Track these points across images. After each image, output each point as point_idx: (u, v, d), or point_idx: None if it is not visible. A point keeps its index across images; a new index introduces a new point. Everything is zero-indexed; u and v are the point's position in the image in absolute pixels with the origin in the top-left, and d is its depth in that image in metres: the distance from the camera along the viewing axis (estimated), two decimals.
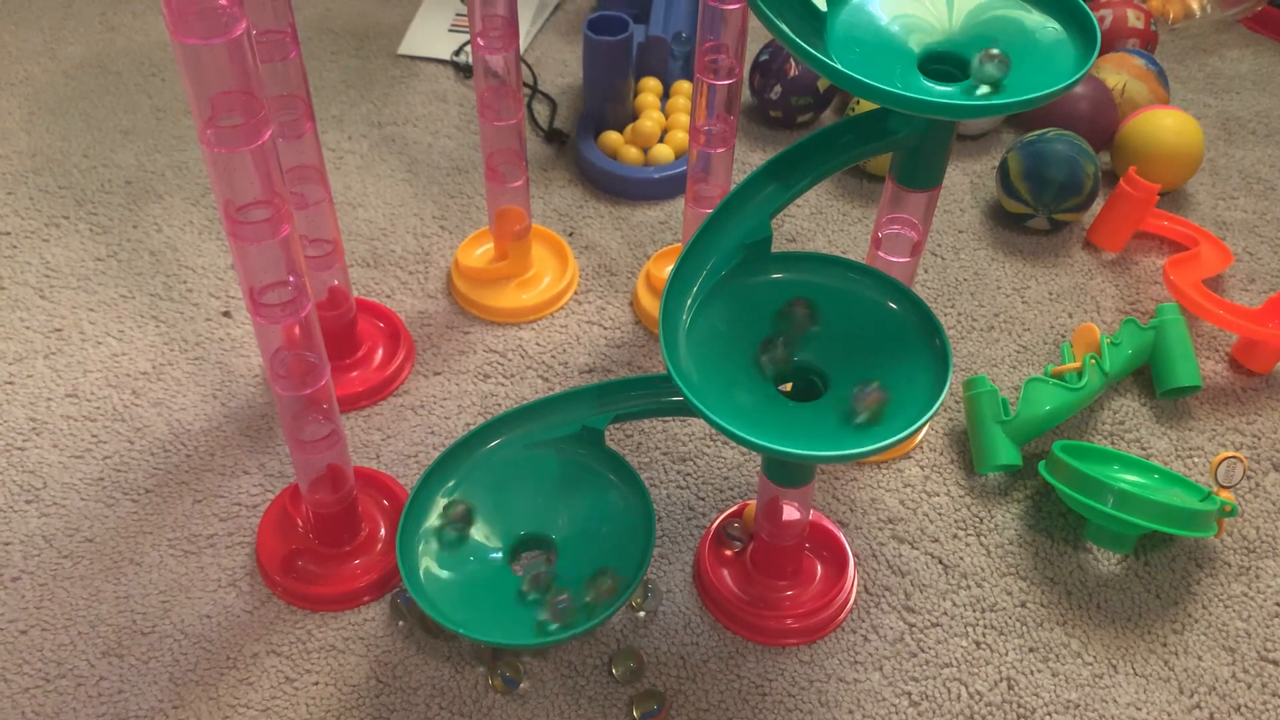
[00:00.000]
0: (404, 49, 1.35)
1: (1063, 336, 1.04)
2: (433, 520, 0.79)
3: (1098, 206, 1.14)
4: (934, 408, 0.66)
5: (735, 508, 0.89)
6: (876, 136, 0.74)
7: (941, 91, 0.68)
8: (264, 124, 0.61)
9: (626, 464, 0.81)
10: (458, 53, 1.33)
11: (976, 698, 0.80)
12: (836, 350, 0.72)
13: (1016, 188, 1.10)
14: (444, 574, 0.76)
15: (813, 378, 0.72)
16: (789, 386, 0.73)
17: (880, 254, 0.83)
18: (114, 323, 1.02)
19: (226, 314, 1.03)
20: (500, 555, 0.79)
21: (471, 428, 0.85)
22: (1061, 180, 1.07)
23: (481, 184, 1.16)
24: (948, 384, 0.68)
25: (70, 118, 1.23)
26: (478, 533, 0.79)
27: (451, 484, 0.80)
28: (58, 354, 0.99)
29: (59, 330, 1.01)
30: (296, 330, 0.71)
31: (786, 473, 0.75)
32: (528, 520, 0.80)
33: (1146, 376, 1.00)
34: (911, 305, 0.72)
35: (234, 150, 0.60)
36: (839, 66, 0.65)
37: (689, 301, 0.72)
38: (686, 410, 0.81)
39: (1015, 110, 0.66)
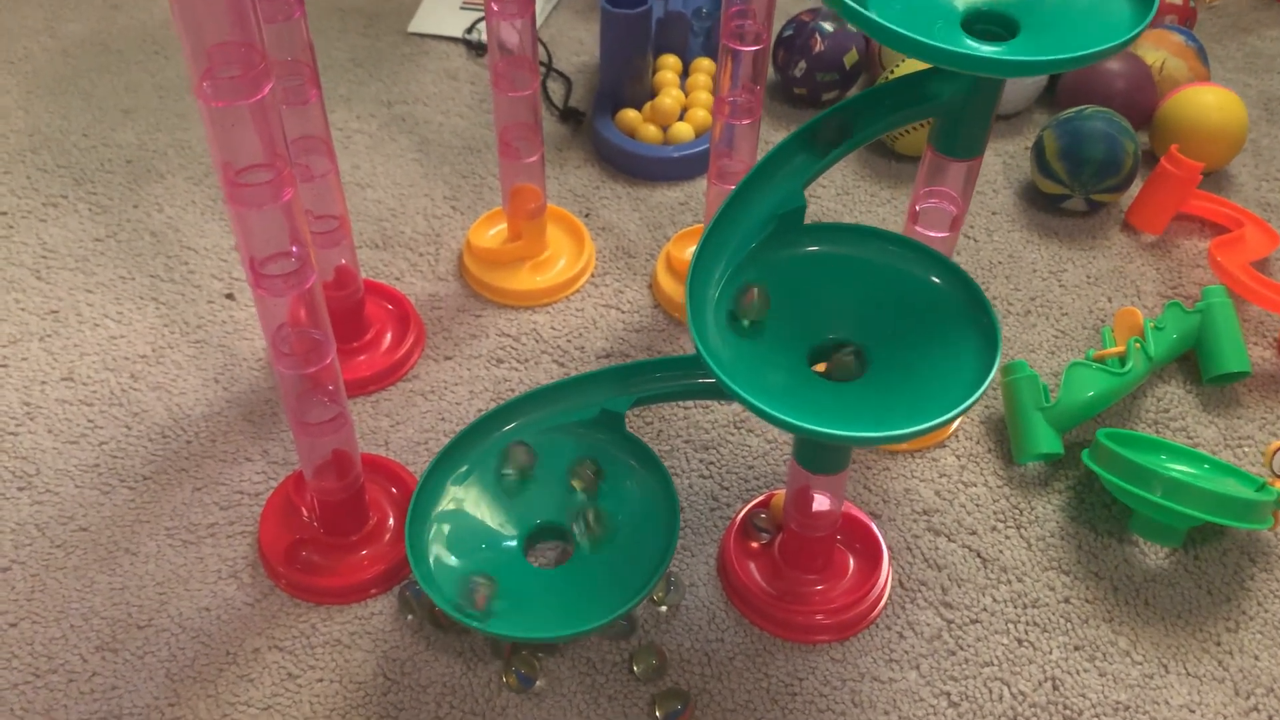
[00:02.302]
0: (414, 27, 1.30)
1: (1102, 321, 0.99)
2: (477, 476, 0.75)
3: (1135, 188, 1.09)
4: (983, 386, 0.62)
5: (762, 497, 0.84)
6: (917, 100, 0.70)
7: (989, 49, 0.64)
8: (264, 77, 0.56)
9: (648, 449, 0.77)
10: (469, 30, 1.29)
11: (1020, 698, 0.75)
12: (876, 328, 0.67)
13: (1052, 167, 1.05)
14: (455, 562, 0.72)
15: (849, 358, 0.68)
16: (823, 367, 0.69)
17: (917, 229, 0.78)
18: (112, 304, 0.98)
19: (229, 296, 0.99)
20: (515, 544, 0.74)
21: (484, 414, 0.80)
22: (1100, 159, 1.03)
23: (494, 164, 1.12)
24: (996, 362, 0.63)
25: (70, 96, 1.19)
26: (492, 520, 0.75)
27: (464, 469, 0.76)
28: (53, 336, 0.95)
29: (55, 312, 0.97)
30: (300, 306, 0.66)
31: (820, 458, 0.70)
32: (544, 509, 0.76)
33: (1191, 363, 0.95)
34: (957, 280, 0.68)
35: (232, 103, 0.56)
36: (881, 21, 0.61)
37: (717, 275, 0.68)
38: (713, 392, 0.77)
39: (1066, 68, 0.62)
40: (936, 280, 0.68)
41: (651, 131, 1.11)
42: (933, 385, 0.64)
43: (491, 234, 1.03)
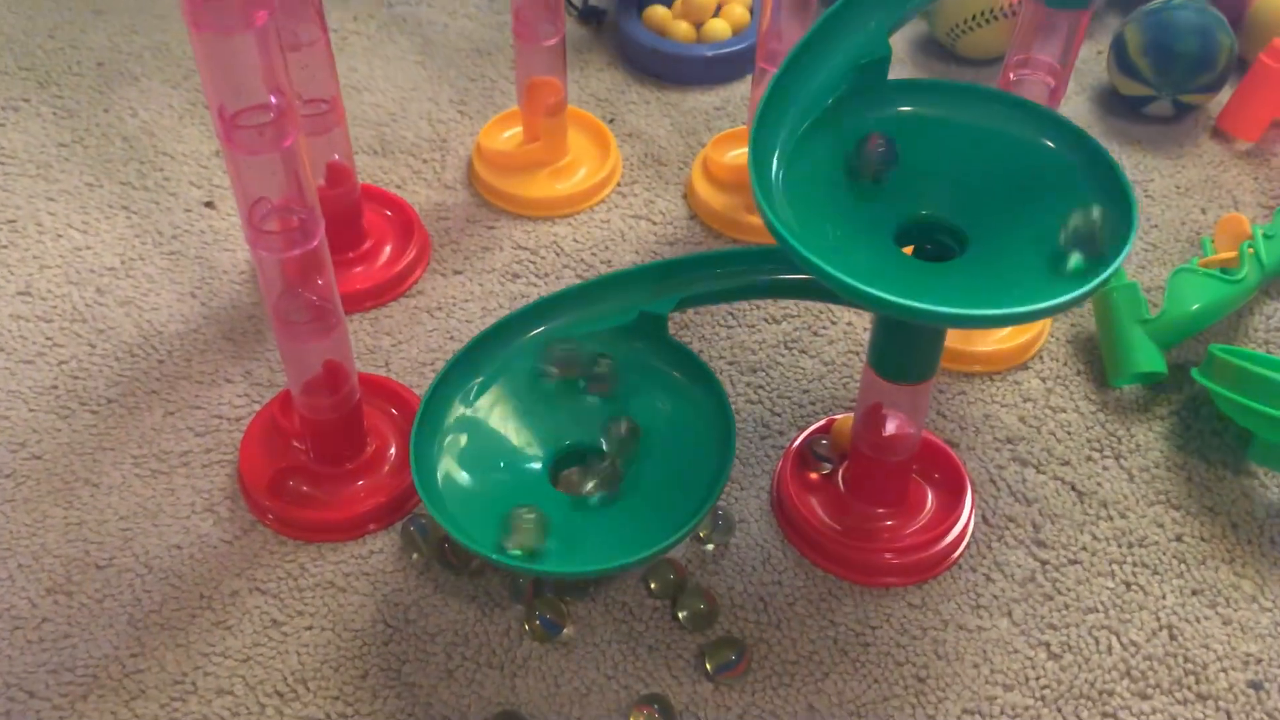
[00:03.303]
0: None
1: (1196, 233, 0.87)
2: (499, 386, 0.65)
3: (1225, 94, 0.97)
4: (1123, 253, 0.50)
5: (821, 423, 0.73)
6: None
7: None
8: None
9: (696, 358, 0.66)
10: None
11: (1132, 649, 0.64)
12: (977, 202, 0.56)
13: (1136, 64, 0.93)
14: (467, 482, 0.61)
15: (943, 237, 0.56)
16: (909, 250, 0.58)
17: None
18: (77, 213, 0.87)
19: (209, 204, 0.88)
20: (539, 468, 0.63)
21: (505, 316, 0.69)
22: (1194, 53, 0.91)
23: (507, 67, 1.00)
24: (1134, 229, 0.52)
25: None
26: (516, 437, 0.63)
27: (481, 379, 0.65)
28: (9, 247, 0.84)
29: (12, 221, 0.86)
30: (281, 169, 0.55)
31: (905, 360, 0.59)
32: (573, 428, 0.65)
33: None
34: (1076, 142, 0.56)
35: None
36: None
37: (784, 135, 0.56)
38: (772, 291, 0.65)
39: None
40: (1050, 144, 0.56)
41: (683, 29, 0.99)
42: (1047, 264, 0.53)
43: (505, 136, 0.91)
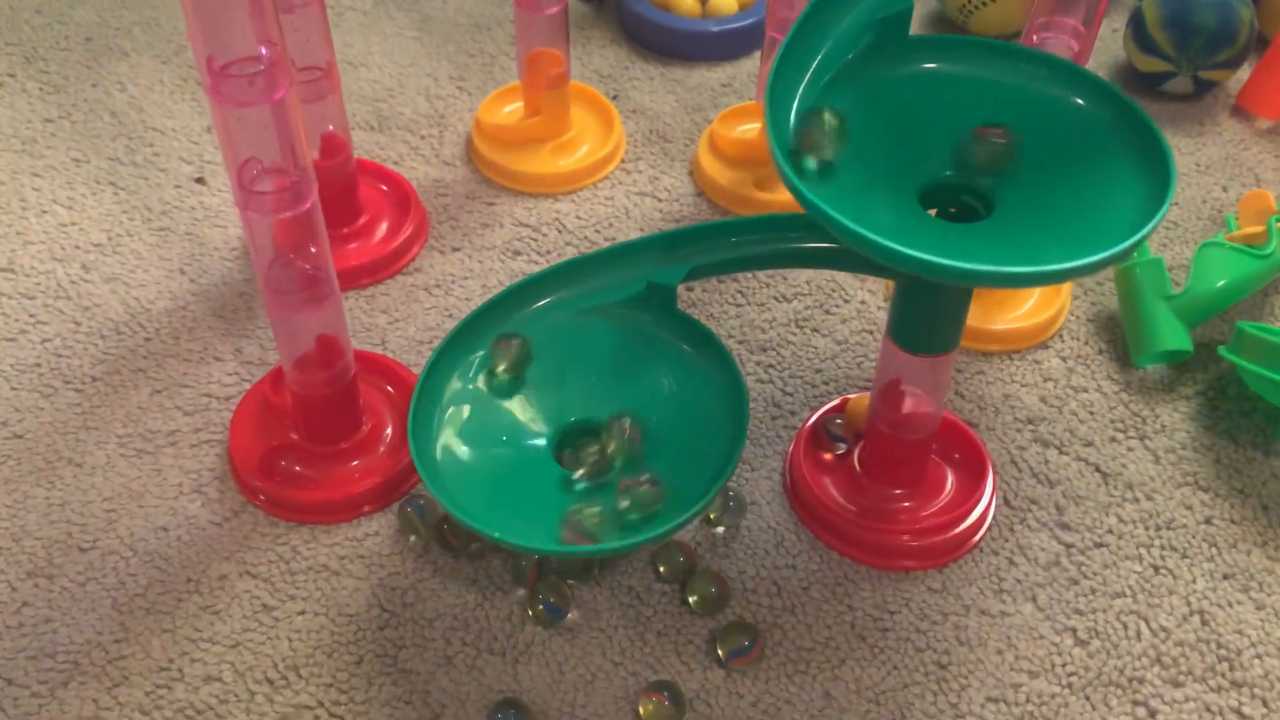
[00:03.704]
0: None
1: (1219, 211, 0.85)
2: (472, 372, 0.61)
3: (1244, 72, 0.95)
4: (1160, 213, 0.48)
5: (836, 402, 0.70)
6: None
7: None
8: None
9: (706, 330, 0.63)
10: None
11: (1162, 635, 0.61)
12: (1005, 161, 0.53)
13: (1155, 39, 0.91)
14: (467, 457, 0.58)
15: (969, 199, 0.54)
16: (933, 213, 0.55)
17: None
18: (63, 189, 0.84)
19: (200, 180, 0.85)
20: (544, 443, 0.60)
21: (510, 286, 0.66)
22: (1213, 26, 0.89)
23: (507, 43, 0.97)
24: (1172, 188, 0.49)
25: None
26: (521, 412, 0.61)
27: (482, 353, 0.62)
28: None
29: None
30: (271, 124, 0.52)
31: (926, 330, 0.56)
32: (579, 404, 0.62)
33: None
34: (1107, 99, 0.53)
35: None
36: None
37: (800, 92, 0.53)
38: (785, 259, 0.62)
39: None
40: (1081, 102, 0.54)
41: (688, 4, 0.96)
42: (1081, 223, 0.50)
43: (506, 111, 0.88)
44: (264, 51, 0.51)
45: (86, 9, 1.00)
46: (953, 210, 0.54)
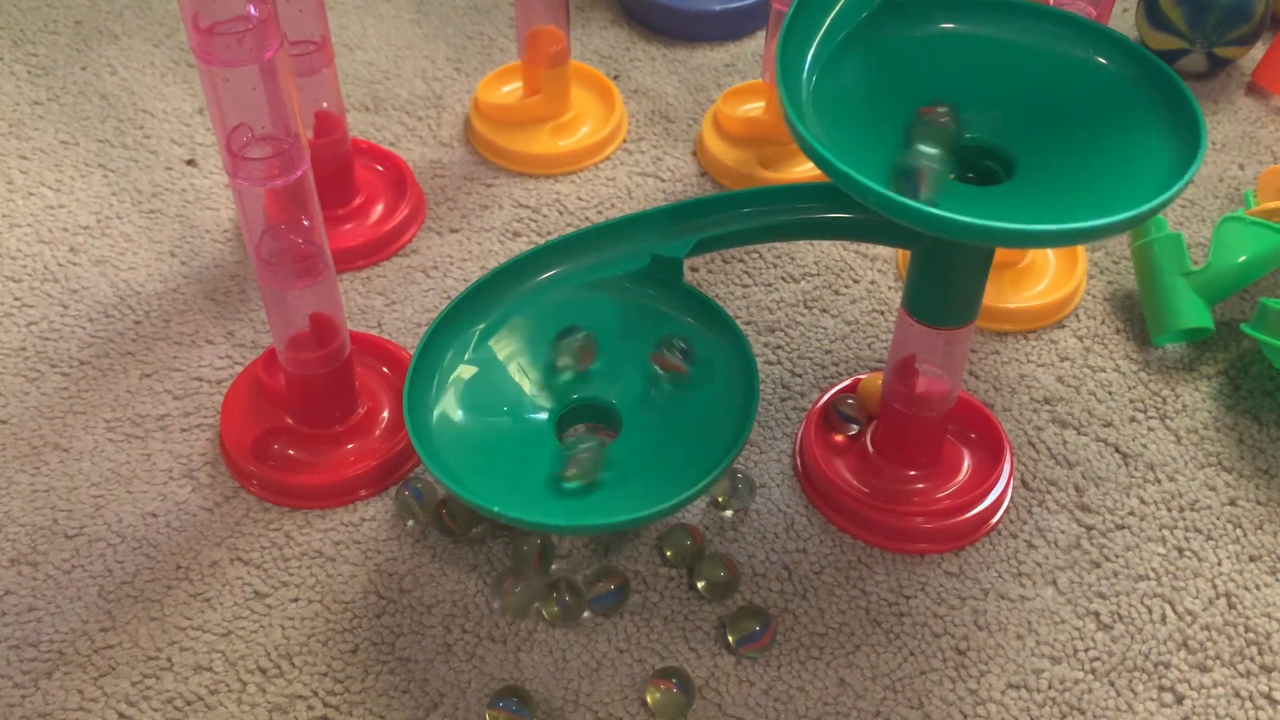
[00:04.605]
0: None
1: (1236, 189, 0.83)
2: (506, 331, 0.60)
3: (1258, 51, 0.93)
4: (1190, 171, 0.46)
5: (847, 382, 0.68)
6: None
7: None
8: None
9: (713, 304, 0.61)
10: None
11: (1188, 618, 0.59)
12: (1026, 122, 0.51)
13: (1168, 16, 0.89)
14: (466, 430, 0.56)
15: (989, 162, 0.52)
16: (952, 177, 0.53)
17: None
18: (51, 171, 0.82)
19: (191, 162, 0.83)
20: (544, 419, 0.58)
21: (512, 259, 0.64)
22: (1228, 3, 0.87)
23: (505, 25, 0.95)
24: (1202, 146, 0.47)
25: None
26: (521, 386, 0.58)
27: (483, 326, 0.60)
28: None
29: None
30: (262, 88, 0.50)
31: (946, 299, 0.54)
32: (583, 380, 0.60)
33: None
34: (1133, 59, 0.51)
35: None
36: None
37: (811, 52, 0.51)
38: (795, 231, 0.60)
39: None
40: (1104, 61, 0.52)
41: None
42: (1107, 184, 0.48)
43: (505, 91, 0.86)
44: (253, 11, 0.49)
45: None
46: (970, 175, 0.52)
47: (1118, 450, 0.67)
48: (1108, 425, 0.68)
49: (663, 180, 0.83)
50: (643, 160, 0.84)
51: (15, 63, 0.91)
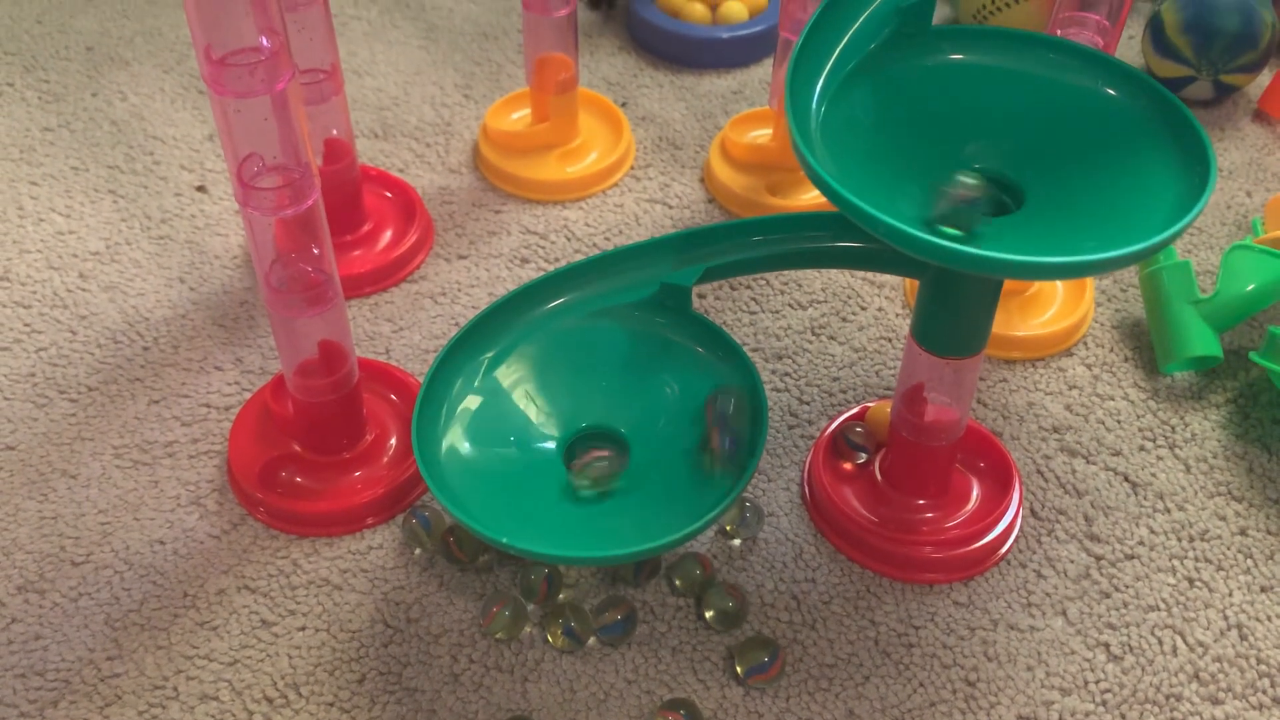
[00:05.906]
0: None
1: (1243, 217, 0.83)
2: (515, 359, 0.61)
3: (1264, 78, 0.93)
4: (1200, 203, 0.46)
5: (855, 410, 0.68)
6: None
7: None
8: None
9: (721, 332, 0.61)
10: None
11: (1199, 650, 0.59)
12: (1034, 153, 0.51)
13: (1174, 44, 0.89)
14: (474, 459, 0.55)
15: (998, 193, 0.52)
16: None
17: None
18: (61, 197, 0.82)
19: (201, 188, 0.83)
20: (553, 447, 0.58)
21: (519, 287, 0.64)
22: (1234, 30, 0.87)
23: (514, 51, 0.96)
24: (1211, 179, 0.47)
25: None
26: (529, 414, 0.58)
27: (491, 354, 0.60)
28: None
29: None
30: (272, 115, 0.50)
31: (956, 328, 0.54)
32: (590, 409, 0.60)
33: None
34: (1141, 90, 0.51)
35: None
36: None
37: (821, 82, 0.51)
38: (803, 260, 0.60)
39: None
40: (1112, 92, 0.52)
41: (698, 10, 0.95)
42: (1115, 216, 0.48)
43: (513, 118, 0.87)
44: (265, 43, 0.49)
45: (88, 18, 0.99)
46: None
47: (1127, 479, 0.66)
48: (1117, 454, 0.68)
49: (670, 206, 0.83)
50: (650, 186, 0.84)
51: (26, 89, 0.91)
